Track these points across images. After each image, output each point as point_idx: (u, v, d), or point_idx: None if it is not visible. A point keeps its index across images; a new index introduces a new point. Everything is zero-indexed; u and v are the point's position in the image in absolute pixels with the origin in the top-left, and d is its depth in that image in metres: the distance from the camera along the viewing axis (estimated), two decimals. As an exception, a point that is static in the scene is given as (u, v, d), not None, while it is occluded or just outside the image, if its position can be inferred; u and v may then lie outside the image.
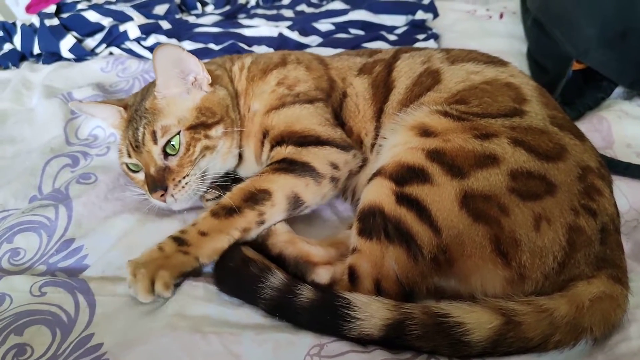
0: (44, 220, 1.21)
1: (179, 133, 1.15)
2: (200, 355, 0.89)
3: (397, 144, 1.07)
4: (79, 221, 1.22)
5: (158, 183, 1.14)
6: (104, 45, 1.99)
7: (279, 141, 1.19)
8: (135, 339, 0.93)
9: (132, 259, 1.03)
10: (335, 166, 1.16)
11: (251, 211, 1.08)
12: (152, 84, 1.24)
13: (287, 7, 2.41)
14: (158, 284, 0.98)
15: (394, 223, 0.97)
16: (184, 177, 1.15)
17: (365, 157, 1.24)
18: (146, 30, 1.99)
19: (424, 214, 0.95)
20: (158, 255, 1.02)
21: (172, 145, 1.16)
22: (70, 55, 1.97)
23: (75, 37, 1.98)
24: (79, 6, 2.15)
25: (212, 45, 1.96)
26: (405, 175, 0.99)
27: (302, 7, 2.38)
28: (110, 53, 2.02)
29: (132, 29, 1.98)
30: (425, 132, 1.04)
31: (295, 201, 1.12)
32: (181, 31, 2.03)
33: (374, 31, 2.04)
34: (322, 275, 1.04)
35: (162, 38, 1.97)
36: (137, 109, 1.21)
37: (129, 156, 1.20)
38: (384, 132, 1.17)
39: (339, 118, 1.28)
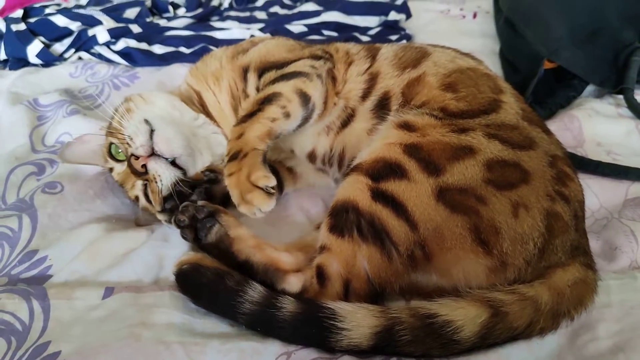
0: (6, 232, 1.18)
1: (109, 146, 1.25)
2: (164, 365, 0.87)
3: (378, 139, 1.07)
4: (43, 232, 1.19)
5: (130, 163, 1.18)
6: (73, 50, 1.95)
7: (263, 69, 1.25)
8: (95, 348, 0.91)
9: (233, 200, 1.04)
10: (314, 67, 1.23)
11: (271, 106, 1.12)
12: None
13: (261, 9, 2.39)
14: (261, 183, 1.01)
15: (369, 220, 0.95)
16: (125, 137, 1.19)
17: (352, 107, 1.24)
18: (116, 34, 1.94)
19: (400, 210, 0.94)
20: (234, 179, 1.04)
21: (114, 157, 1.25)
22: (37, 61, 1.91)
23: (43, 42, 1.93)
24: (47, 10, 2.10)
25: (183, 49, 1.93)
26: (381, 171, 0.99)
27: (276, 9, 2.36)
28: (79, 58, 1.97)
29: (101, 33, 1.93)
30: (407, 126, 1.05)
31: (304, 96, 1.16)
32: (151, 35, 1.99)
33: (346, 32, 2.03)
34: (294, 283, 1.02)
35: (132, 42, 1.93)
36: None
37: (137, 199, 1.25)
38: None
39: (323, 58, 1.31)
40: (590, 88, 1.70)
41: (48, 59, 1.93)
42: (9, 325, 0.97)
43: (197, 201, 1.13)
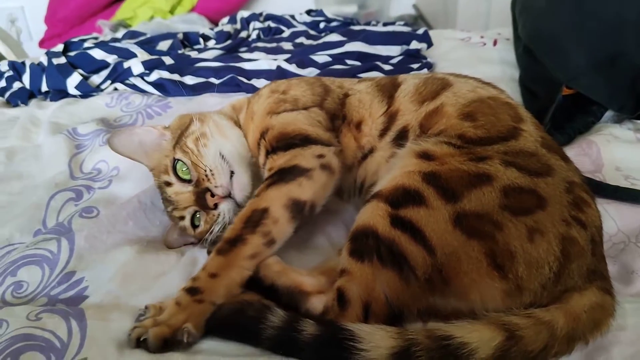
0: (46, 254, 1.25)
1: (174, 160, 1.25)
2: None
3: (398, 168, 1.11)
4: (80, 254, 1.26)
5: (200, 193, 1.22)
6: (109, 81, 2.07)
7: (273, 146, 1.24)
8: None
9: (152, 309, 1.05)
10: (321, 156, 1.20)
11: (254, 235, 1.09)
12: None
13: (287, 39, 2.48)
14: (184, 335, 0.98)
15: (387, 245, 0.99)
16: (205, 170, 1.22)
17: (371, 146, 1.29)
18: (149, 66, 2.06)
19: (418, 235, 0.98)
20: (175, 310, 1.02)
21: (183, 170, 1.25)
22: (76, 92, 2.04)
23: (82, 75, 2.06)
24: (86, 44, 2.23)
25: (212, 79, 2.02)
26: (400, 199, 1.02)
27: (301, 40, 2.45)
28: (115, 89, 2.09)
29: (135, 65, 2.05)
30: (426, 156, 1.09)
31: (296, 206, 1.13)
32: (183, 66, 2.10)
33: (369, 61, 2.09)
34: (316, 304, 1.05)
35: (165, 73, 2.03)
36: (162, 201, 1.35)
37: (182, 217, 1.28)
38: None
39: (338, 117, 1.34)
40: (609, 113, 1.72)
41: (86, 90, 2.05)
42: (49, 343, 1.03)
43: None
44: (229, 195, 1.22)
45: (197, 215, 1.26)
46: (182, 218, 1.27)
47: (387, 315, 0.98)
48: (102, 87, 2.08)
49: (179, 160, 1.25)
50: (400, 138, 1.24)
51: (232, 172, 1.24)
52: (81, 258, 1.26)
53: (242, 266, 1.08)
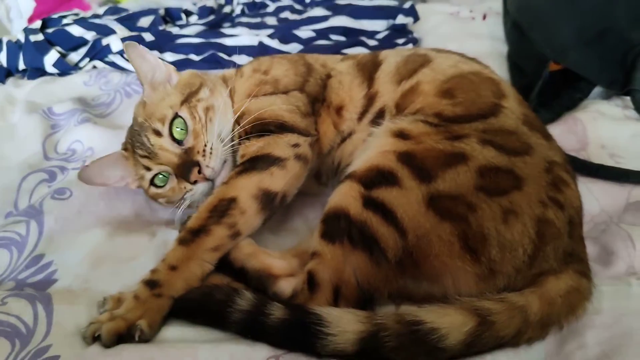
0: (15, 237, 1.22)
1: (176, 115, 1.18)
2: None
3: (373, 147, 1.07)
4: (49, 236, 1.23)
5: (188, 163, 1.15)
6: (88, 59, 2.01)
7: (247, 132, 1.19)
8: (93, 354, 0.93)
9: (110, 301, 1.02)
10: (296, 145, 1.17)
11: (218, 226, 1.05)
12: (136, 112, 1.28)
13: (271, 14, 2.42)
14: (136, 332, 0.94)
15: (359, 227, 0.96)
16: (205, 145, 1.16)
17: (350, 130, 1.26)
18: (129, 43, 2.00)
19: (389, 217, 0.95)
20: (134, 304, 0.98)
21: (178, 129, 1.17)
22: (54, 70, 1.99)
23: (59, 52, 2.00)
24: (64, 21, 2.17)
25: (192, 56, 1.97)
26: (374, 179, 1.00)
27: (286, 14, 2.39)
28: (94, 67, 2.04)
29: (114, 42, 1.99)
30: (402, 135, 1.05)
31: (266, 196, 1.10)
32: (163, 43, 2.04)
33: (354, 37, 2.04)
34: (284, 287, 1.04)
35: (144, 50, 1.98)
36: (132, 135, 1.23)
37: (149, 169, 1.19)
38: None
39: (319, 99, 1.30)
40: (598, 89, 1.68)
41: (64, 69, 2.00)
42: (14, 328, 1.00)
43: None
44: (212, 179, 1.18)
45: (161, 176, 1.20)
46: (148, 169, 1.20)
47: (357, 299, 0.96)
48: (81, 65, 2.02)
49: (180, 117, 1.18)
50: (378, 118, 1.21)
51: (224, 162, 1.19)
52: (50, 240, 1.23)
53: (203, 259, 1.04)
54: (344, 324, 0.88)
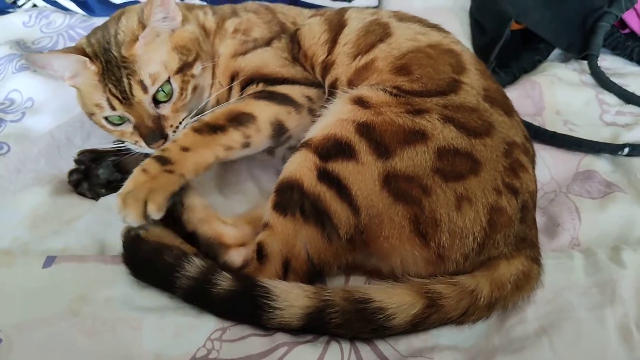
0: (-53, 196, 1.16)
1: (168, 79, 1.12)
2: (101, 342, 0.88)
3: (331, 114, 1.04)
4: (-14, 196, 1.17)
5: (157, 132, 1.12)
6: (27, -4, 1.87)
7: (249, 82, 1.19)
8: (32, 322, 0.90)
9: (120, 191, 0.99)
10: (310, 99, 1.18)
11: (236, 131, 1.08)
12: (112, 24, 1.17)
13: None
14: (150, 206, 0.96)
15: (312, 200, 0.95)
16: (180, 123, 1.15)
17: None
18: (73, -19, 1.87)
19: (344, 193, 0.93)
20: (144, 178, 0.99)
21: (162, 91, 1.12)
22: (-11, 8, 1.85)
23: (-5, -12, 1.86)
24: (0, -48, 1.99)
25: (143, -1, 1.85)
26: (331, 150, 0.97)
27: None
28: (34, 5, 1.90)
29: (57, -22, 1.85)
30: (361, 102, 1.01)
31: (280, 128, 1.13)
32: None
33: (315, -16, 1.95)
34: (235, 257, 1.02)
35: (89, -11, 1.85)
36: (109, 59, 1.11)
37: (113, 109, 1.12)
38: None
39: (294, 48, 1.27)
40: (556, 52, 1.68)
41: (1, 6, 1.86)
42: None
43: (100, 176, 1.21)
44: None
45: (121, 118, 1.14)
46: (112, 108, 1.12)
47: (307, 272, 0.96)
48: (19, 2, 1.88)
49: (170, 85, 1.13)
50: (331, 87, 1.18)
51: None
52: (-13, 200, 1.17)
53: (215, 150, 1.06)
54: (292, 299, 0.88)
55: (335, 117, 1.01)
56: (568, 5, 1.62)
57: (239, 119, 1.08)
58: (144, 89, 1.10)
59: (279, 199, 0.99)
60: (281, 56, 1.25)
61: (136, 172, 1.00)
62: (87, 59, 1.11)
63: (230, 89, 1.23)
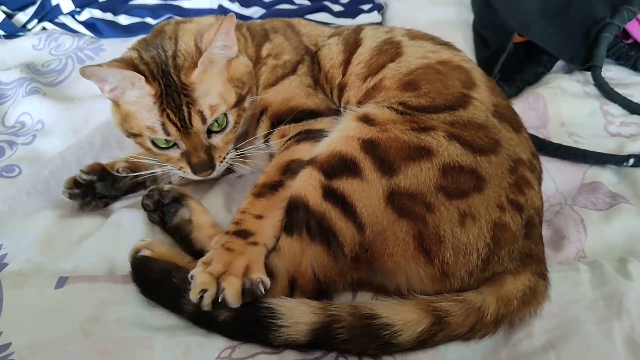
0: (-40, 219, 1.18)
1: (224, 113, 1.12)
2: (112, 362, 0.89)
3: (337, 130, 1.06)
4: (-2, 218, 1.20)
5: (208, 162, 1.12)
6: (36, 20, 1.91)
7: (278, 120, 1.19)
8: (45, 342, 0.92)
9: (201, 267, 0.95)
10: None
11: (292, 181, 1.07)
12: (168, 43, 1.13)
13: (233, -27, 2.32)
14: (256, 277, 0.93)
15: (318, 219, 0.96)
16: (227, 154, 1.16)
17: None
18: (80, 4, 1.90)
19: (348, 210, 0.95)
20: (230, 256, 0.96)
21: (216, 122, 1.13)
22: (0, 32, 1.88)
23: (5, 12, 1.89)
24: (10, -23, 2.04)
25: (149, 20, 1.89)
26: (336, 167, 0.98)
27: (248, -26, 2.30)
28: (44, 28, 1.93)
29: (64, 2, 1.89)
30: (366, 119, 1.03)
31: None
32: (117, 4, 1.94)
33: (318, 1, 1.98)
34: None
35: (97, 12, 1.89)
36: (168, 83, 1.08)
37: (168, 134, 1.09)
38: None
39: (315, 69, 1.29)
40: (560, 63, 1.69)
41: (11, 30, 1.90)
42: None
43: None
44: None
45: (168, 142, 1.12)
46: (167, 132, 1.08)
47: (313, 290, 0.97)
48: (29, 26, 1.92)
49: (226, 118, 1.13)
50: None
51: None
52: (-1, 223, 1.19)
53: (282, 208, 1.05)
54: (297, 316, 0.89)
55: (341, 134, 1.03)
56: (570, 17, 1.63)
57: (291, 169, 1.09)
58: (203, 119, 1.09)
59: (287, 220, 1.01)
60: (305, 84, 1.26)
61: (217, 252, 0.98)
62: (142, 77, 1.06)
63: (258, 120, 1.23)
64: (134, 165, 1.25)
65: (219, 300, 0.89)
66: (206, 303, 0.89)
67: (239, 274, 0.92)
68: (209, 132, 1.12)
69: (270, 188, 1.07)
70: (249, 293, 0.91)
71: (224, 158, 1.15)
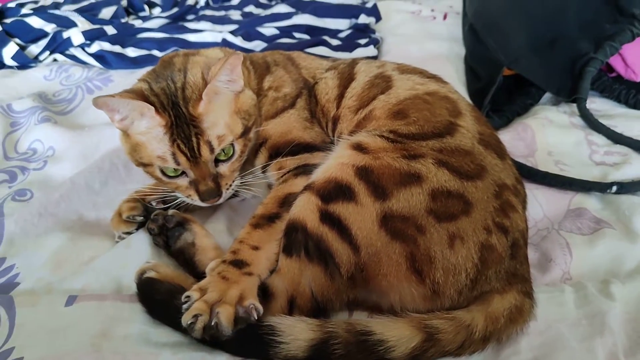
0: (-25, 241, 1.23)
1: (231, 143, 1.17)
2: (121, 376, 0.94)
3: (332, 158, 1.12)
4: (11, 239, 1.25)
5: (215, 190, 1.17)
6: (48, 52, 2.00)
7: (276, 151, 1.25)
8: (57, 356, 0.96)
9: (193, 293, 0.98)
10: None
11: (288, 214, 1.10)
12: (178, 75, 1.17)
13: (236, 7, 2.43)
14: (248, 303, 0.96)
15: (315, 241, 1.01)
16: (233, 181, 1.21)
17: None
18: (90, 36, 2.00)
19: (344, 232, 1.00)
20: (225, 285, 1.00)
21: (223, 152, 1.17)
22: (13, 63, 1.97)
23: (18, 44, 1.98)
24: (23, 10, 2.13)
25: (155, 52, 1.97)
26: (332, 192, 1.04)
27: (251, 8, 2.41)
28: (54, 60, 2.02)
29: (75, 35, 1.98)
30: (360, 148, 1.09)
31: None
32: (125, 37, 2.04)
33: (317, 35, 2.07)
34: None
35: (106, 45, 1.97)
36: (178, 114, 1.12)
37: (177, 164, 1.13)
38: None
39: (312, 102, 1.35)
40: (547, 96, 1.77)
41: (24, 61, 1.98)
42: (-23, 332, 1.03)
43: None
44: None
45: (176, 170, 1.16)
46: (176, 161, 1.12)
47: (311, 309, 1.02)
48: (41, 58, 2.01)
49: (233, 148, 1.18)
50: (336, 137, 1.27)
51: None
52: (12, 243, 1.25)
53: (278, 240, 1.10)
54: (296, 332, 0.93)
55: (336, 161, 1.09)
56: (556, 51, 1.71)
57: (288, 202, 1.13)
58: (211, 149, 1.14)
59: (286, 242, 1.06)
60: (303, 117, 1.31)
61: (213, 280, 1.01)
62: (152, 108, 1.10)
63: (257, 151, 1.28)
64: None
65: (212, 324, 0.93)
66: (197, 327, 0.93)
67: (233, 303, 0.96)
68: (216, 161, 1.17)
69: (268, 220, 1.13)
70: (242, 320, 0.95)
71: (230, 185, 1.20)
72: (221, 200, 1.20)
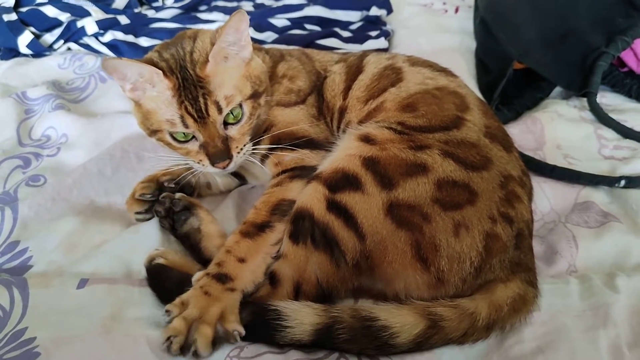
0: (-10, 223, 1.26)
1: (240, 103, 1.16)
2: (129, 356, 0.96)
3: (340, 149, 1.14)
4: (24, 223, 1.27)
5: (225, 153, 1.15)
6: (62, 41, 2.02)
7: (278, 141, 1.24)
8: (68, 336, 0.99)
9: (174, 308, 0.98)
10: None
11: (281, 223, 1.12)
12: (187, 42, 1.18)
13: (248, -2, 2.44)
14: (231, 327, 0.96)
15: (322, 229, 1.03)
16: (244, 145, 1.19)
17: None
18: (104, 26, 2.01)
19: (350, 221, 1.02)
20: (206, 301, 0.99)
21: (231, 114, 1.16)
22: (28, 51, 1.99)
23: (33, 33, 2.00)
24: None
25: (168, 42, 1.98)
26: (339, 182, 1.06)
27: (262, 0, 2.41)
28: (69, 49, 2.04)
29: (89, 25, 2.00)
30: (367, 139, 1.11)
31: None
32: (138, 27, 2.05)
33: (328, 27, 2.08)
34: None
35: (119, 34, 1.99)
36: (185, 77, 1.12)
37: (186, 126, 1.13)
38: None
39: (321, 96, 1.35)
40: (557, 90, 1.76)
41: (38, 50, 2.00)
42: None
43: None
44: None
45: (186, 135, 1.15)
46: (185, 125, 1.12)
47: (316, 295, 1.04)
48: (55, 46, 2.03)
49: (241, 109, 1.17)
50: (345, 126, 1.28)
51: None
52: (25, 227, 1.27)
53: (268, 252, 1.10)
54: (302, 317, 0.96)
55: (344, 153, 1.11)
56: (567, 45, 1.70)
57: (281, 210, 1.13)
58: (219, 109, 1.13)
59: (293, 229, 1.07)
60: (311, 114, 1.31)
61: (195, 294, 1.00)
62: (160, 71, 1.10)
63: (259, 141, 1.27)
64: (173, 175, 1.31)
65: (191, 352, 0.93)
66: (174, 349, 0.93)
67: (213, 322, 0.96)
68: (225, 125, 1.16)
69: (259, 229, 1.11)
70: (222, 340, 0.96)
71: (241, 149, 1.18)
72: (232, 165, 1.17)
